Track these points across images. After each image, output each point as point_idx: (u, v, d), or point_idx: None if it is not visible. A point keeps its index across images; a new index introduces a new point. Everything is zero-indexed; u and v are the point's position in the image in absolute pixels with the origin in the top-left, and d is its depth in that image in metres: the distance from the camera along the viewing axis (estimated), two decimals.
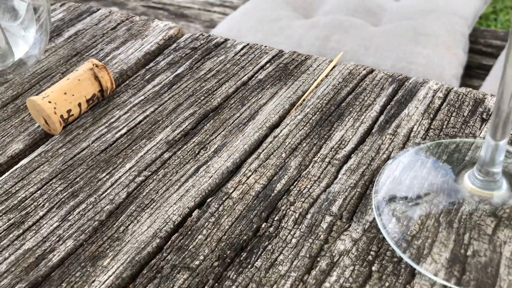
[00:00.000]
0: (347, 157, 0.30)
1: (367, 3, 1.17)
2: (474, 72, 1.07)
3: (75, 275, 0.26)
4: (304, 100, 0.35)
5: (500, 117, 0.23)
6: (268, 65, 0.39)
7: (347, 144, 0.31)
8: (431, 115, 0.32)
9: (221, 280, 0.25)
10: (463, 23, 1.07)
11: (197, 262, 0.26)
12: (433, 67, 0.93)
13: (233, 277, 0.25)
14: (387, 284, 0.24)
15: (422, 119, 0.32)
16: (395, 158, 0.29)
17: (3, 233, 0.29)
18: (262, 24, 1.10)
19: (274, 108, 0.35)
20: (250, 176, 0.30)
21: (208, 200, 0.29)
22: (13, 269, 0.27)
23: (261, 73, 0.39)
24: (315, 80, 0.37)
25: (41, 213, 0.30)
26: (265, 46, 0.41)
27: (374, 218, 0.26)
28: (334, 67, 0.38)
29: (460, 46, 1.00)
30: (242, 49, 0.42)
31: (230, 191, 0.29)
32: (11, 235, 0.29)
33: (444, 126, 0.32)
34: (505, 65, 0.22)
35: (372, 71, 0.37)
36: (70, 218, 0.29)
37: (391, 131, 0.32)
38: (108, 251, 0.27)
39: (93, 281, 0.25)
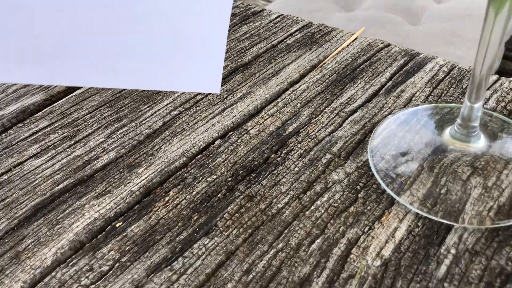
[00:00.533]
0: (354, 111, 0.35)
1: (408, 3, 1.20)
2: None
3: (114, 177, 0.31)
4: (324, 63, 0.40)
5: (474, 84, 0.27)
6: (297, 32, 0.44)
7: (356, 101, 0.36)
8: (434, 85, 0.37)
9: (232, 191, 0.30)
10: None
11: (214, 176, 0.31)
12: None
13: (242, 190, 0.30)
14: (369, 207, 0.28)
15: (425, 87, 0.36)
16: (395, 114, 0.34)
17: (58, 142, 0.35)
18: (301, 13, 1.14)
19: (296, 67, 0.40)
20: (267, 118, 0.35)
21: (230, 133, 0.34)
22: (64, 168, 0.32)
23: (290, 38, 0.43)
24: (337, 48, 0.41)
25: (90, 131, 0.36)
26: (297, 17, 0.46)
27: (367, 159, 0.31)
28: (355, 39, 0.42)
29: None
30: (276, 18, 0.46)
31: (249, 128, 0.34)
32: (64, 144, 0.34)
33: (443, 94, 0.36)
34: (480, 43, 0.26)
35: (389, 45, 0.41)
36: (113, 136, 0.35)
37: (396, 94, 0.36)
38: (143, 162, 0.32)
39: (129, 183, 0.31)
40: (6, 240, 0.28)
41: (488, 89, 0.36)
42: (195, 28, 0.23)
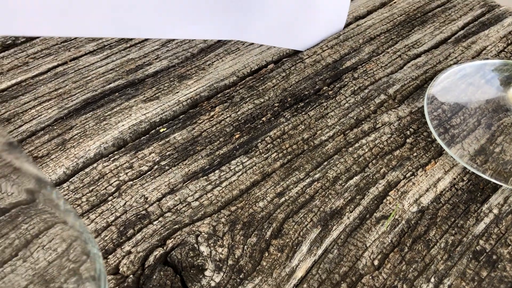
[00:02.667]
0: (417, 56, 0.33)
1: None
2: None
3: (164, 84, 0.32)
4: (395, 2, 0.38)
5: None
6: None
7: (421, 46, 0.34)
8: (509, 40, 0.34)
9: (278, 116, 0.29)
10: None
11: (261, 100, 0.30)
12: None
13: (288, 117, 0.29)
14: (415, 154, 0.27)
15: (499, 42, 0.34)
16: (460, 65, 0.32)
17: (114, 43, 0.35)
18: None
19: (365, 2, 0.38)
20: (325, 50, 0.34)
21: (284, 59, 0.33)
22: (117, 69, 0.33)
23: None
24: None
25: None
26: None
27: (423, 106, 0.30)
28: None
29: None
30: None
31: (305, 57, 0.33)
32: (120, 46, 0.35)
33: None
34: None
35: None
36: (169, 45, 0.35)
37: (466, 45, 0.34)
38: (193, 75, 0.32)
39: (177, 92, 0.31)
40: (55, 128, 0.29)
41: None
42: None
